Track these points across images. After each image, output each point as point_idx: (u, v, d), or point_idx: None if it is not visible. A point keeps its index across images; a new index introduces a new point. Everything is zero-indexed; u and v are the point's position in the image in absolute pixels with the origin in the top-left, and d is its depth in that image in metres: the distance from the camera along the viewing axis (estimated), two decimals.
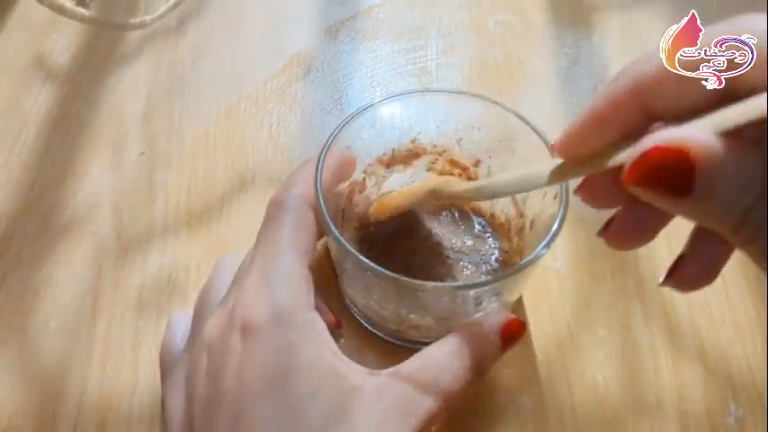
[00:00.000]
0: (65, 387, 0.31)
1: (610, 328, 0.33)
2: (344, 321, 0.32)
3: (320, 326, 0.24)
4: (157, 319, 0.33)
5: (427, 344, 0.25)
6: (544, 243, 0.24)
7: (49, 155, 0.39)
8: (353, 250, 0.24)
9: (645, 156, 0.16)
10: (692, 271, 0.21)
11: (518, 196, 0.31)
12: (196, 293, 0.34)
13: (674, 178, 0.15)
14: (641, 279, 0.34)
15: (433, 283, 0.25)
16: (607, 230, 0.21)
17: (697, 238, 0.20)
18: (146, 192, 0.38)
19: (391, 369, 0.24)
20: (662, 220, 0.21)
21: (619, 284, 0.34)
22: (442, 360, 0.24)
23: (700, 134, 0.15)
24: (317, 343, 0.23)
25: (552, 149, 0.21)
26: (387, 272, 0.24)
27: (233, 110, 0.42)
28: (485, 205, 0.34)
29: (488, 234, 0.33)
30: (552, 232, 0.25)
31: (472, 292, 0.25)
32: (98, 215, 0.37)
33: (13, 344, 0.33)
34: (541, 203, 0.28)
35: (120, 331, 0.33)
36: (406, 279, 0.24)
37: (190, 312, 0.29)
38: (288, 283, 0.24)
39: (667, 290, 0.34)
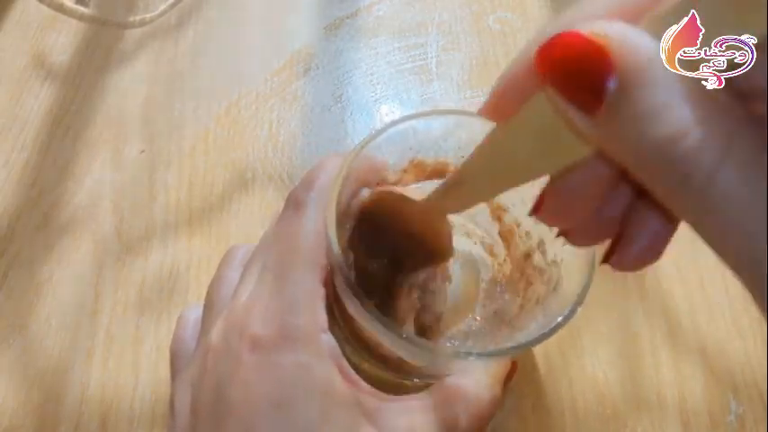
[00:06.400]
0: (66, 385, 0.32)
1: (610, 324, 0.33)
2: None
3: (333, 348, 0.23)
4: (158, 317, 0.33)
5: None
6: (567, 312, 0.23)
7: (50, 153, 0.40)
8: (367, 305, 0.23)
9: (558, 39, 0.14)
10: (633, 249, 0.18)
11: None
12: (197, 291, 0.34)
13: (584, 79, 0.13)
14: (642, 276, 0.34)
15: (456, 349, 0.23)
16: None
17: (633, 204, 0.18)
18: (146, 190, 0.38)
19: (409, 397, 0.24)
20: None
21: (619, 281, 0.34)
22: (467, 395, 0.24)
23: (627, 29, 0.13)
24: (328, 366, 0.22)
25: (479, 112, 0.19)
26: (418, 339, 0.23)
27: (233, 108, 0.42)
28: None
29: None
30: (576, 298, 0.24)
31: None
32: (99, 213, 0.37)
33: (15, 342, 0.33)
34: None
35: (121, 329, 0.33)
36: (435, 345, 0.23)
37: (201, 307, 0.28)
38: (303, 300, 0.23)
39: (668, 287, 0.34)
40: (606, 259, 0.19)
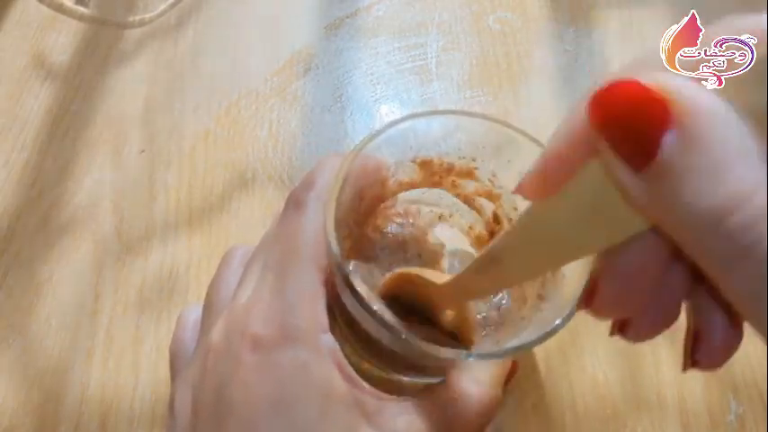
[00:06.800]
0: (66, 385, 0.32)
1: (610, 324, 0.33)
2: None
3: (333, 348, 0.23)
4: (158, 317, 0.33)
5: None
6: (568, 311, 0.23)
7: (50, 153, 0.40)
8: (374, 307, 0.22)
9: (615, 87, 0.13)
10: (708, 346, 0.18)
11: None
12: (197, 291, 0.34)
13: (639, 130, 0.12)
14: None
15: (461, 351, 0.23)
16: (626, 332, 0.19)
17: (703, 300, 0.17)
18: (146, 190, 0.38)
19: (408, 397, 0.24)
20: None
21: None
22: (467, 395, 0.24)
23: (690, 84, 0.12)
24: (328, 366, 0.22)
25: (517, 192, 0.18)
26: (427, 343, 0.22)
27: (233, 108, 0.42)
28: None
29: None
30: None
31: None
32: (99, 213, 0.37)
33: (15, 342, 0.33)
34: None
35: (121, 329, 0.33)
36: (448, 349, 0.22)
37: (201, 307, 0.28)
38: (303, 300, 0.23)
39: None
40: (693, 364, 0.18)
